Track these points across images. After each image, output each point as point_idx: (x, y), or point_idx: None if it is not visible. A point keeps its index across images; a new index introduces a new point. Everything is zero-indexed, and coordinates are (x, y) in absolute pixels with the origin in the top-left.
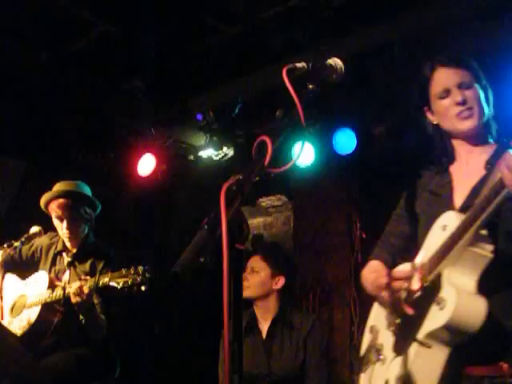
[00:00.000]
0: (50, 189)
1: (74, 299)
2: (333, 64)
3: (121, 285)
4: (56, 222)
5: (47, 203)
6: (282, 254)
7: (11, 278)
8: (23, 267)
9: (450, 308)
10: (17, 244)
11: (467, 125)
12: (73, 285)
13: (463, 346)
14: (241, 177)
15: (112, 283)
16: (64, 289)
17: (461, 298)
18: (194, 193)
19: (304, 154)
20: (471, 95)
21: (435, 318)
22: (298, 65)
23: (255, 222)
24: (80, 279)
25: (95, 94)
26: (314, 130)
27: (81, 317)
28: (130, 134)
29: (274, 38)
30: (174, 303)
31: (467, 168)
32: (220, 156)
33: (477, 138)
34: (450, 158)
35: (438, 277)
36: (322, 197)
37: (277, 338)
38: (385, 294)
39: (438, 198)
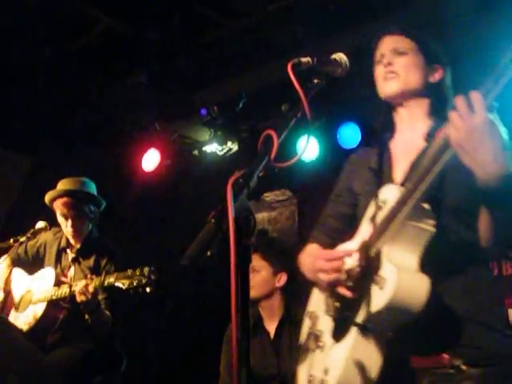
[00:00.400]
0: (55, 185)
1: (79, 298)
2: (337, 59)
3: (126, 285)
4: (60, 219)
5: (52, 201)
6: (281, 250)
7: (18, 273)
8: (29, 263)
9: (391, 288)
10: (23, 239)
11: (389, 86)
12: (78, 283)
13: (408, 334)
14: (247, 170)
15: (117, 284)
16: (70, 286)
17: (401, 277)
18: (199, 188)
19: (308, 149)
20: (401, 61)
21: (375, 300)
22: (303, 59)
23: (260, 217)
24: (86, 277)
25: (99, 89)
26: (319, 125)
27: (86, 315)
28: (135, 130)
29: (278, 32)
30: (180, 298)
31: (407, 142)
32: (224, 151)
33: (411, 108)
34: (390, 132)
35: (378, 254)
36: (327, 191)
37: (285, 337)
38: (322, 277)
39: (377, 175)
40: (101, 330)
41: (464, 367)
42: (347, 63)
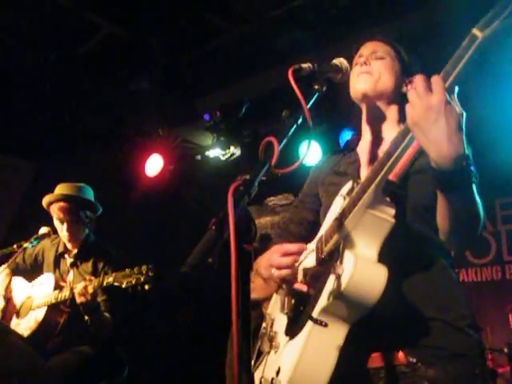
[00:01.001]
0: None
1: (78, 299)
2: (338, 64)
3: (125, 284)
4: (56, 223)
5: (49, 205)
6: None
7: (18, 281)
8: (28, 271)
9: (346, 275)
10: (26, 245)
11: (361, 84)
12: (78, 285)
13: (365, 331)
14: (248, 177)
15: (116, 283)
16: (71, 289)
17: (358, 265)
18: (201, 192)
19: (311, 153)
20: (378, 64)
21: (331, 289)
22: (304, 65)
23: (262, 222)
24: (84, 279)
25: (102, 95)
26: (321, 130)
27: (86, 317)
28: (138, 135)
29: (280, 38)
30: (182, 304)
31: (374, 145)
32: (227, 156)
33: (381, 109)
34: (359, 134)
35: (337, 246)
36: None
37: None
38: (274, 272)
39: (343, 178)
40: (101, 331)
41: (419, 365)
42: (348, 68)
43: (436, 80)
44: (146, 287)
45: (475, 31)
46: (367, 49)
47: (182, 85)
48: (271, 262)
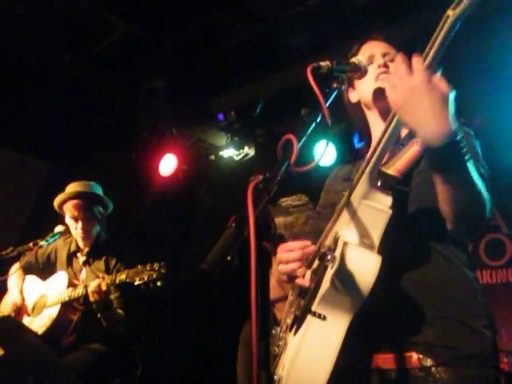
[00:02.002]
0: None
1: (92, 297)
2: (357, 62)
3: (137, 281)
4: (70, 221)
5: (62, 203)
6: None
7: (32, 280)
8: (40, 270)
9: (336, 262)
10: (42, 243)
11: (385, 84)
12: (91, 283)
13: (371, 328)
14: (267, 175)
15: (129, 280)
16: (85, 287)
17: (347, 251)
18: (216, 192)
19: (328, 154)
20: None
21: (326, 281)
22: (322, 63)
23: (276, 222)
24: (98, 277)
25: (118, 94)
26: (338, 130)
27: (99, 314)
28: (152, 135)
29: (296, 37)
30: (197, 302)
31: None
32: (241, 156)
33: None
34: (367, 142)
35: (336, 239)
36: None
37: None
38: (282, 268)
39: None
40: (114, 328)
41: (434, 369)
42: (366, 66)
43: (416, 60)
44: (159, 284)
45: (448, 11)
46: (377, 49)
47: (196, 84)
48: (279, 259)
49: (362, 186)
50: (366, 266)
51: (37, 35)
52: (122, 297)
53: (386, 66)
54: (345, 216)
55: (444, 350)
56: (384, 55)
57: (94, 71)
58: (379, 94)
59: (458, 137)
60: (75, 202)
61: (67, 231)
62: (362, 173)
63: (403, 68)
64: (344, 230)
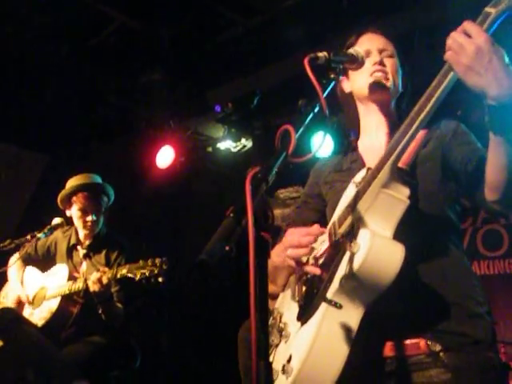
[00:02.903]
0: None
1: (92, 287)
2: (354, 53)
3: (138, 276)
4: (78, 213)
5: (71, 195)
6: None
7: (32, 271)
8: (39, 261)
9: (362, 251)
10: (40, 235)
11: (380, 80)
12: (92, 275)
13: (383, 315)
14: (265, 165)
15: (130, 275)
16: (85, 280)
17: (375, 240)
18: (213, 184)
19: (326, 144)
20: (391, 63)
21: (347, 266)
22: (320, 54)
23: (274, 214)
24: (98, 270)
25: (114, 87)
26: (335, 121)
27: (98, 306)
28: (149, 127)
29: (293, 29)
30: (196, 294)
31: (378, 143)
32: (238, 147)
33: (389, 108)
34: (357, 134)
35: (351, 228)
36: None
37: None
38: (290, 253)
39: (347, 172)
40: (113, 321)
41: (442, 354)
42: (364, 58)
43: (470, 24)
44: (160, 280)
45: (488, 9)
46: (373, 42)
47: (193, 77)
48: (290, 243)
49: (384, 174)
50: (391, 256)
51: (34, 28)
52: (122, 290)
53: (381, 63)
54: (363, 203)
55: (452, 336)
56: (381, 51)
57: (91, 64)
58: (375, 87)
59: None
60: (86, 193)
61: (65, 224)
62: (386, 160)
63: (461, 32)
64: (360, 218)
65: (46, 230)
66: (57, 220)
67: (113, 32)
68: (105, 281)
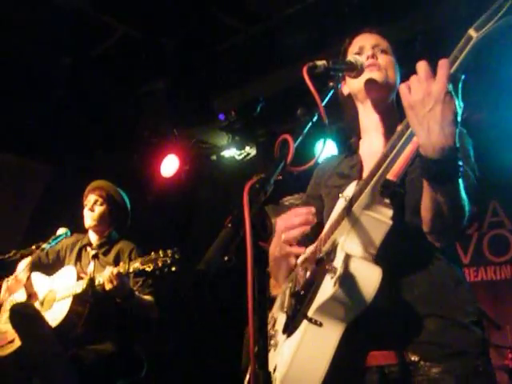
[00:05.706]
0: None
1: (107, 286)
2: (353, 61)
3: (152, 267)
4: (94, 207)
5: (87, 193)
6: None
7: (38, 276)
8: (49, 266)
9: (337, 275)
10: (45, 246)
11: (374, 75)
12: (104, 273)
13: (364, 330)
14: (263, 175)
15: (143, 267)
16: (91, 279)
17: (350, 265)
18: (217, 192)
19: (327, 152)
20: (385, 58)
21: (325, 289)
22: (319, 62)
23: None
24: (109, 266)
25: (118, 96)
26: (337, 128)
27: (123, 304)
28: (153, 136)
29: (296, 36)
30: (199, 303)
31: (376, 145)
32: (243, 155)
33: (386, 105)
34: (358, 136)
35: (334, 247)
36: None
37: None
38: (286, 235)
39: (345, 180)
40: (145, 315)
41: (422, 364)
42: (363, 65)
43: (442, 65)
44: (173, 269)
45: (471, 31)
46: (367, 40)
47: (196, 85)
48: (283, 227)
49: (365, 196)
50: (367, 280)
51: (37, 38)
52: (145, 282)
53: (373, 56)
54: (345, 224)
55: (433, 346)
56: (374, 46)
57: (94, 74)
58: (371, 84)
59: (458, 154)
60: (103, 193)
61: (69, 234)
62: (367, 184)
63: (425, 71)
64: (343, 237)
65: (51, 240)
66: (62, 230)
67: (116, 42)
68: (115, 272)
